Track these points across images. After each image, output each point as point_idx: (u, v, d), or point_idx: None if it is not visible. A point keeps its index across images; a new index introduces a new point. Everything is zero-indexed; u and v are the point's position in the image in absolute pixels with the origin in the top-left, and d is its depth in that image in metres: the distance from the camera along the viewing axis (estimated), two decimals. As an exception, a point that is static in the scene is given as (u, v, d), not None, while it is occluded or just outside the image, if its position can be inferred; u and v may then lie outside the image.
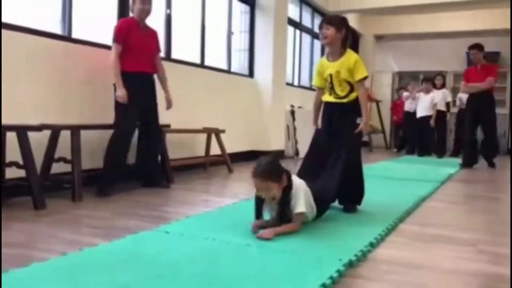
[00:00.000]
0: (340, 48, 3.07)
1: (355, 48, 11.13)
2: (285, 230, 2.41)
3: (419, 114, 8.30)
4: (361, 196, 3.17)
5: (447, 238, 2.59)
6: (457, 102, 8.65)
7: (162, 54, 5.11)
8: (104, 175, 3.65)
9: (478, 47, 6.41)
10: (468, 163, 6.50)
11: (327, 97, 3.21)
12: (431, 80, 8.32)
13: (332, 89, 3.12)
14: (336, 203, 3.15)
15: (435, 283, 1.87)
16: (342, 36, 3.03)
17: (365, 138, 9.87)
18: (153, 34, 4.04)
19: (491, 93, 6.43)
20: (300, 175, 3.03)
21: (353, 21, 10.45)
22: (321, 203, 2.74)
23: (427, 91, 8.20)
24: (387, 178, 5.00)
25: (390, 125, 11.10)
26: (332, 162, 3.06)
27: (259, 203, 2.53)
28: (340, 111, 3.11)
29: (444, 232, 2.72)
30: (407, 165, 6.65)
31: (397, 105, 9.79)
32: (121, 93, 3.67)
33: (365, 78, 3.06)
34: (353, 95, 3.08)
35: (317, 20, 9.38)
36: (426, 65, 10.70)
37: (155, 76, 4.09)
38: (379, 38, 11.47)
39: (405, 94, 8.97)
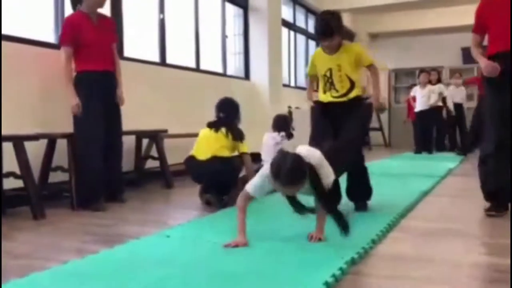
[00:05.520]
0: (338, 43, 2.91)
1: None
2: (323, 221, 2.32)
3: (419, 108, 8.05)
4: (370, 192, 3.14)
5: (450, 232, 2.58)
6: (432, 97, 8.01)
7: (157, 59, 5.14)
8: (84, 190, 3.35)
9: None
10: (492, 191, 3.02)
11: (325, 97, 3.01)
12: (427, 72, 8.18)
13: (331, 85, 2.94)
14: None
15: (439, 277, 1.85)
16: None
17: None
18: (108, 24, 3.58)
19: None
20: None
21: (346, 20, 10.45)
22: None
23: (424, 85, 8.10)
24: (388, 175, 4.98)
25: (388, 123, 11.09)
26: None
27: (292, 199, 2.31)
28: (341, 111, 2.91)
29: (446, 226, 2.71)
30: (407, 162, 6.64)
31: None
32: (74, 102, 3.30)
33: (372, 62, 2.96)
34: (353, 93, 2.93)
35: (311, 21, 9.39)
36: (422, 61, 10.69)
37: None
38: (373, 36, 11.47)
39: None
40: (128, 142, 4.23)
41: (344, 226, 2.18)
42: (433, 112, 8.01)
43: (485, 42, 3.08)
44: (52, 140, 3.47)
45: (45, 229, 2.76)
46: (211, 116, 3.58)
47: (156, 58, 5.14)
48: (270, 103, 6.88)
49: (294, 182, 2.11)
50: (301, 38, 9.06)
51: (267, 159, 3.31)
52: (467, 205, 3.42)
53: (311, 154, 2.27)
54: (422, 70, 8.26)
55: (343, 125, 2.88)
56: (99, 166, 3.39)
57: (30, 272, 1.87)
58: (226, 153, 3.37)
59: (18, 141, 3.02)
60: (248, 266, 1.91)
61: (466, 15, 9.38)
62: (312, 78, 3.22)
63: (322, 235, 2.31)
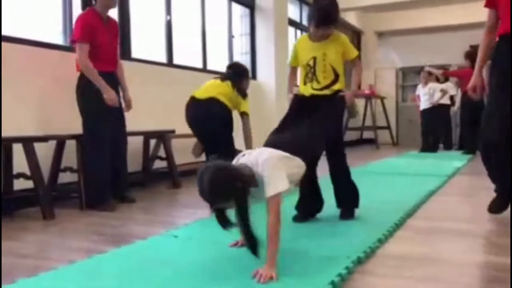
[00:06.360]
0: None
1: (358, 46, 11.12)
2: (274, 249, 1.82)
3: (422, 107, 8.05)
4: (356, 197, 2.83)
5: (456, 231, 2.57)
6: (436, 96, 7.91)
7: (164, 59, 5.17)
8: (93, 191, 3.37)
9: None
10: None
11: (305, 88, 2.74)
12: (427, 71, 8.14)
13: (313, 76, 2.68)
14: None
15: (445, 276, 1.85)
16: None
17: (371, 135, 9.85)
18: (114, 26, 3.58)
19: None
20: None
21: (353, 18, 10.45)
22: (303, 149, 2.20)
23: (426, 82, 8.07)
24: (395, 174, 4.98)
25: (396, 121, 11.05)
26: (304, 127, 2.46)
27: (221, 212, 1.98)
28: (324, 105, 2.62)
29: (453, 226, 2.70)
30: (414, 161, 6.62)
31: None
32: (111, 95, 3.34)
33: (358, 56, 2.75)
34: (336, 87, 2.68)
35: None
36: (430, 59, 10.65)
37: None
38: (380, 34, 11.44)
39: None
40: (136, 142, 4.26)
41: (252, 246, 1.87)
42: (437, 110, 7.95)
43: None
44: (61, 142, 3.51)
45: (54, 229, 2.79)
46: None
47: (163, 58, 5.17)
48: (276, 102, 6.88)
49: (213, 201, 1.86)
50: (307, 37, 9.04)
51: None
52: (474, 204, 3.41)
53: (261, 159, 1.91)
54: (422, 69, 8.24)
55: (316, 119, 2.53)
56: (108, 167, 3.41)
57: (38, 272, 1.90)
58: (226, 101, 3.35)
59: (28, 143, 3.06)
60: (254, 266, 1.92)
61: (475, 13, 9.36)
62: (295, 70, 2.90)
63: (273, 270, 1.78)
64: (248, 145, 3.50)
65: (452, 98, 8.34)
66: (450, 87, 8.31)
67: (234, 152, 3.42)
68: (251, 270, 1.82)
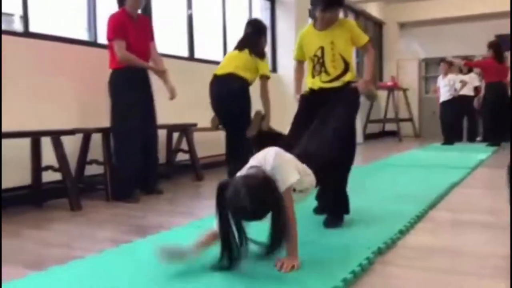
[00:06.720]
0: None
1: (379, 37, 11.00)
2: (293, 241, 1.85)
3: (442, 98, 7.91)
4: (346, 203, 2.51)
5: (478, 223, 2.57)
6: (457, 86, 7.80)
7: (185, 54, 5.23)
8: (119, 183, 3.43)
9: None
10: None
11: (313, 82, 2.56)
12: (447, 61, 8.00)
13: (322, 67, 2.49)
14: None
15: (465, 268, 1.86)
16: None
17: (393, 127, 9.76)
18: (145, 23, 3.67)
19: None
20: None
21: (375, 9, 10.34)
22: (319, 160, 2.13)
23: (446, 74, 7.93)
24: (417, 166, 4.95)
25: (419, 113, 10.92)
26: (316, 126, 2.32)
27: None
28: (335, 97, 2.42)
29: (475, 218, 2.69)
30: (437, 153, 6.55)
31: None
32: (155, 69, 3.60)
33: (369, 41, 2.55)
34: (347, 77, 2.49)
35: (339, 11, 9.30)
36: (453, 50, 10.46)
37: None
38: (402, 25, 11.29)
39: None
40: (159, 135, 4.32)
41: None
42: (458, 102, 7.79)
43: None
44: (87, 135, 3.60)
45: (81, 220, 2.88)
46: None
47: (185, 53, 5.23)
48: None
49: (256, 213, 1.73)
50: (329, 29, 8.98)
51: None
52: (496, 196, 3.37)
53: (270, 156, 1.86)
54: (442, 60, 8.10)
55: (326, 113, 2.35)
56: (136, 159, 3.48)
57: (67, 261, 1.97)
58: (244, 73, 3.54)
59: (55, 136, 3.15)
60: (274, 258, 1.96)
61: (500, 1, 9.17)
62: (301, 64, 2.75)
63: (296, 261, 1.83)
64: (266, 108, 3.62)
65: (476, 88, 8.19)
66: (473, 78, 8.15)
67: (249, 124, 3.56)
68: (273, 261, 1.85)
